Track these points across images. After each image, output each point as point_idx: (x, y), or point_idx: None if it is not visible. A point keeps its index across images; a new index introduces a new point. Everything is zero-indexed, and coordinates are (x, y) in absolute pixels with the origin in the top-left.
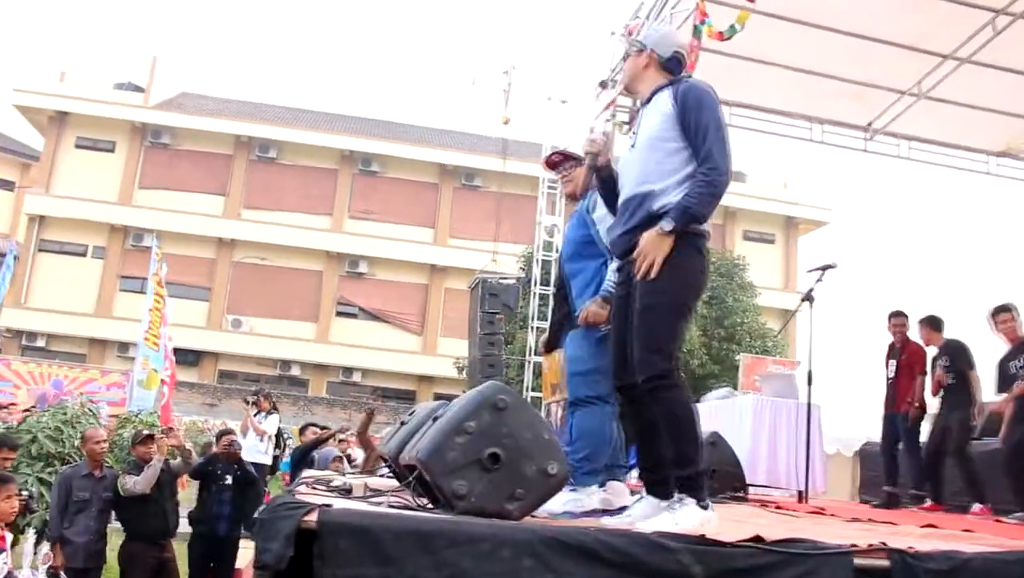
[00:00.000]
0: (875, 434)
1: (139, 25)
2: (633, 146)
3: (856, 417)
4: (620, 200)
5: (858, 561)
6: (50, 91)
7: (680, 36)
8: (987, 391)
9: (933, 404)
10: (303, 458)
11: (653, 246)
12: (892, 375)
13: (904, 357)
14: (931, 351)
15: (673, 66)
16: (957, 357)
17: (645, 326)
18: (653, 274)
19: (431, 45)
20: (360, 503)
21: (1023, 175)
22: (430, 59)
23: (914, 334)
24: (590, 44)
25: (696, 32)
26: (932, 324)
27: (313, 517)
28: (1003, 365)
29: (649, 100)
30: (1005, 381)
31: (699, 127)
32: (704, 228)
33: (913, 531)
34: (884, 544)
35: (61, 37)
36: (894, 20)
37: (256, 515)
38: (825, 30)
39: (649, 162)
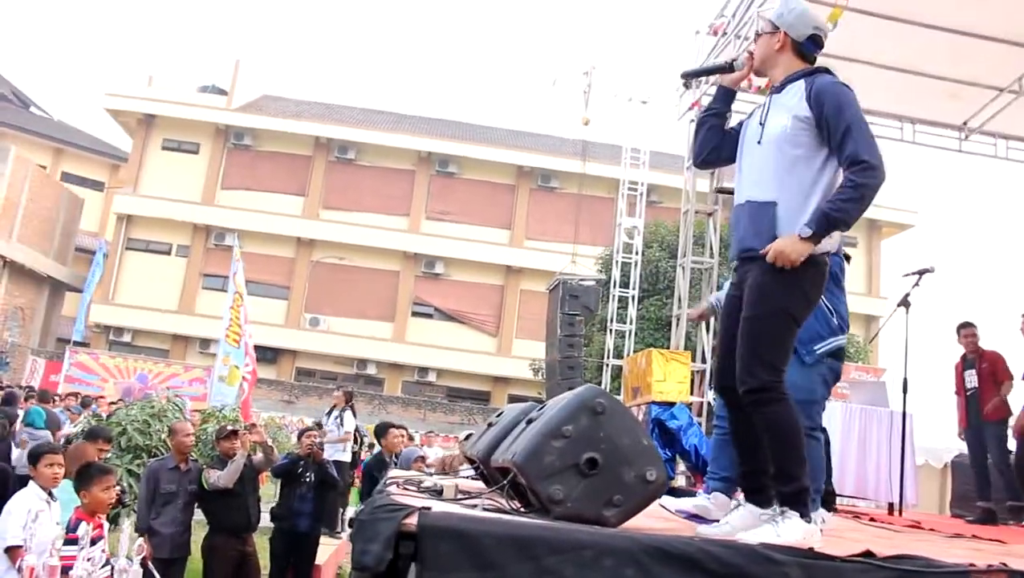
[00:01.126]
0: (966, 446)
1: (222, 29)
2: (759, 142)
3: (945, 428)
4: (738, 198)
5: None
6: (138, 94)
7: (819, 15)
8: None
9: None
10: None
11: (791, 249)
12: (975, 385)
13: (984, 365)
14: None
15: (810, 49)
16: None
17: (749, 334)
18: (784, 263)
19: (510, 46)
20: (455, 506)
21: None
22: (509, 60)
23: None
24: (671, 44)
25: None
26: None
27: (413, 520)
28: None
29: (781, 89)
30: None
31: (838, 127)
32: (829, 247)
33: None
34: (1005, 565)
35: (149, 42)
36: (992, 15)
37: (354, 516)
38: (919, 26)
39: (774, 167)
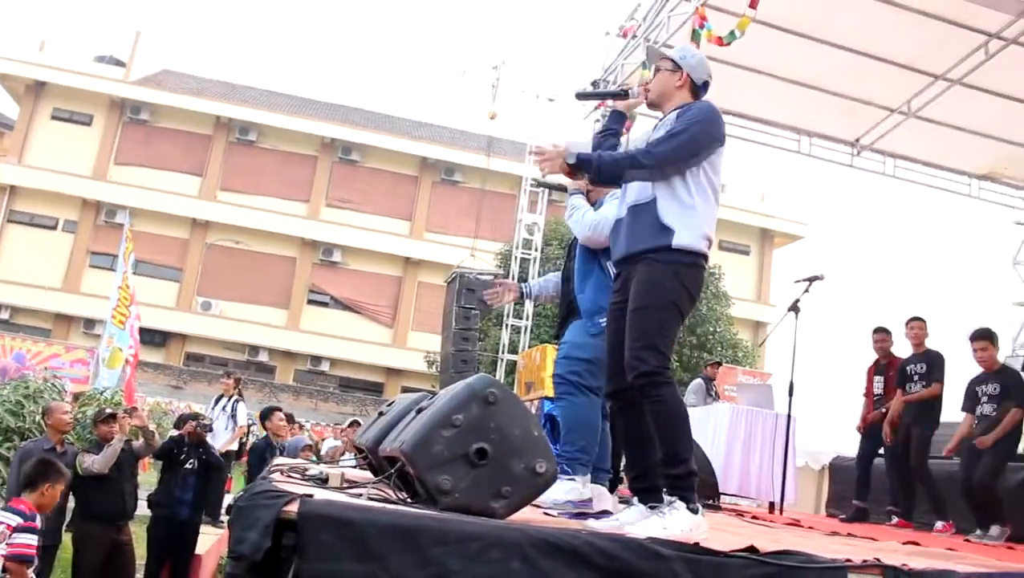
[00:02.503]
0: (844, 448)
1: None
2: None
3: (824, 431)
4: (623, 205)
5: (852, 577)
6: (28, 60)
7: (709, 66)
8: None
9: None
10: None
11: (551, 158)
12: (881, 391)
13: (892, 373)
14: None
15: (702, 92)
16: (935, 367)
17: (636, 324)
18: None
19: (419, 36)
20: (340, 494)
21: (1004, 199)
22: (417, 50)
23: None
24: (581, 43)
25: (695, 36)
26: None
27: (294, 507)
28: (972, 386)
29: (664, 116)
30: (972, 402)
31: (679, 127)
32: (706, 249)
33: (898, 548)
34: (878, 560)
35: (43, 5)
36: (890, 38)
37: (233, 502)
38: (821, 43)
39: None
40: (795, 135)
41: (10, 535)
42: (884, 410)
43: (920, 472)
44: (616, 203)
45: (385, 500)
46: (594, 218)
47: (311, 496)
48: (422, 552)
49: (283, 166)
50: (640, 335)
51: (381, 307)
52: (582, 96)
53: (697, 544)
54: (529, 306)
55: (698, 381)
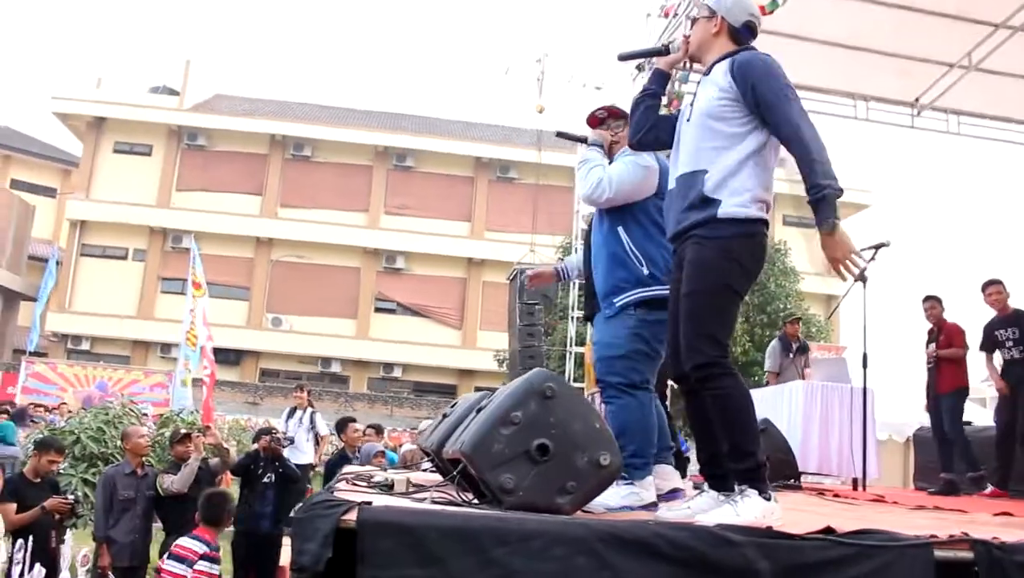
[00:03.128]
0: (927, 419)
1: (172, 29)
2: (688, 120)
3: (907, 402)
4: (673, 177)
5: (939, 553)
6: (87, 97)
7: (752, 3)
8: None
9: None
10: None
11: (833, 249)
12: (934, 356)
13: (943, 338)
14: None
15: (745, 35)
16: None
17: (691, 311)
18: (855, 272)
19: (462, 37)
20: (402, 500)
21: None
22: (462, 51)
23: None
24: (624, 28)
25: None
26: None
27: (352, 516)
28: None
29: (710, 71)
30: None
31: (768, 102)
32: (761, 214)
33: (990, 520)
34: (966, 534)
35: (97, 43)
36: None
37: (292, 514)
38: (868, 3)
39: (703, 141)
40: (851, 100)
41: (196, 561)
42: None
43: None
44: (630, 160)
45: (450, 503)
46: (598, 176)
47: (370, 503)
48: (484, 553)
49: (339, 178)
50: (695, 324)
51: (448, 309)
52: (625, 57)
53: (770, 528)
54: None
55: (773, 343)
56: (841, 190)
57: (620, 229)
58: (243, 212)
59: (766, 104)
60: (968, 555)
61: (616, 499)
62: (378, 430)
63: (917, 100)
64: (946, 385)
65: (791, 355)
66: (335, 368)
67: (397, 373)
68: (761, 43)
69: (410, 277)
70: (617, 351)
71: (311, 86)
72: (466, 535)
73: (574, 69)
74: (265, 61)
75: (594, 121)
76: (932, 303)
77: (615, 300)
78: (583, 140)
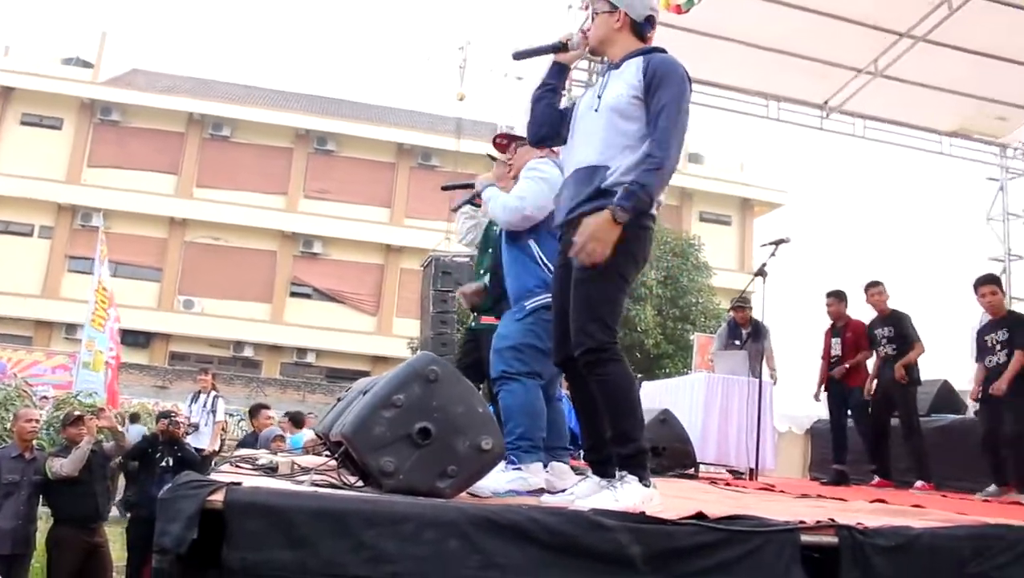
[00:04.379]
0: (826, 412)
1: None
2: (596, 110)
3: (808, 395)
4: (572, 163)
5: (805, 538)
6: None
7: None
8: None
9: None
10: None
11: (603, 233)
12: (838, 353)
13: (849, 334)
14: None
15: (646, 29)
16: (902, 327)
17: (582, 296)
18: (599, 259)
19: (386, 22)
20: (280, 482)
21: (976, 155)
22: (385, 36)
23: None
24: (546, 18)
25: None
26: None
27: (219, 497)
28: (980, 337)
29: (619, 65)
30: (984, 352)
31: (662, 107)
32: (652, 210)
33: (863, 507)
34: (832, 520)
35: (5, 9)
36: None
37: (159, 495)
38: (783, 5)
39: (608, 133)
40: (763, 100)
41: None
42: (846, 368)
43: (910, 430)
44: (535, 176)
45: (331, 486)
46: (507, 203)
47: (239, 484)
48: (355, 536)
49: (259, 160)
50: (586, 309)
51: (364, 296)
52: (520, 55)
53: (643, 513)
54: None
55: (723, 327)
56: (649, 205)
57: (531, 241)
58: (158, 191)
59: (658, 105)
60: (833, 540)
61: (502, 484)
62: (295, 420)
63: (827, 103)
64: (854, 380)
65: (740, 341)
66: (247, 352)
67: (311, 359)
68: (678, 40)
69: (327, 262)
70: (508, 342)
71: (232, 65)
72: (336, 517)
73: (495, 58)
74: (185, 37)
75: (499, 148)
76: (832, 300)
77: (526, 304)
78: (470, 186)
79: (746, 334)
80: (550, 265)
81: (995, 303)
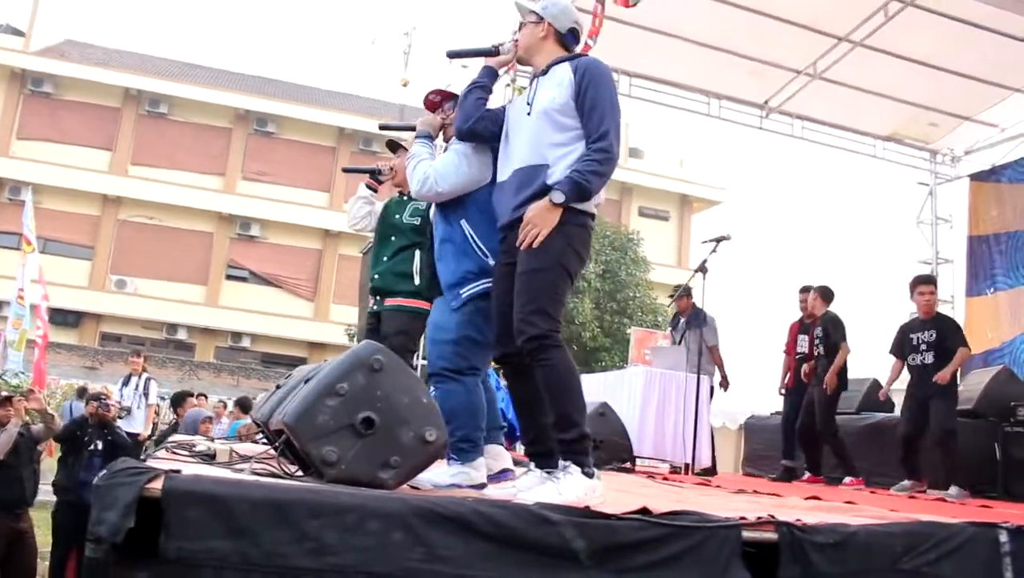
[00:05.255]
0: (759, 408)
1: None
2: (529, 114)
3: (741, 391)
4: (511, 165)
5: (746, 534)
6: None
7: (575, 11)
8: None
9: None
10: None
11: (541, 218)
12: (806, 349)
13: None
14: None
15: (570, 40)
16: (833, 330)
17: (526, 287)
18: (536, 244)
19: (331, 3)
20: (219, 469)
21: (907, 160)
22: (330, 18)
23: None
24: (491, 5)
25: None
26: (823, 295)
27: (158, 484)
28: (905, 333)
29: (546, 72)
30: (906, 348)
31: (595, 105)
32: (593, 209)
33: (799, 504)
34: (772, 517)
35: None
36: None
37: (94, 482)
38: (727, 4)
39: (544, 134)
40: (705, 98)
41: None
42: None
43: (826, 431)
44: (457, 150)
45: (272, 474)
46: (423, 171)
47: (177, 472)
48: (296, 526)
49: (196, 139)
50: (529, 299)
51: (301, 281)
52: (453, 55)
53: (588, 508)
54: None
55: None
56: (588, 195)
57: (464, 222)
58: (91, 167)
59: (592, 104)
60: (773, 536)
61: (445, 477)
62: (243, 407)
63: (767, 102)
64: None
65: (678, 327)
66: (181, 335)
67: (246, 343)
68: (624, 35)
69: (264, 245)
70: (447, 335)
71: (171, 41)
72: (278, 507)
73: (440, 44)
74: (123, 10)
75: (430, 105)
76: (805, 295)
77: (461, 291)
78: (410, 128)
79: (683, 323)
80: (484, 249)
81: (932, 302)
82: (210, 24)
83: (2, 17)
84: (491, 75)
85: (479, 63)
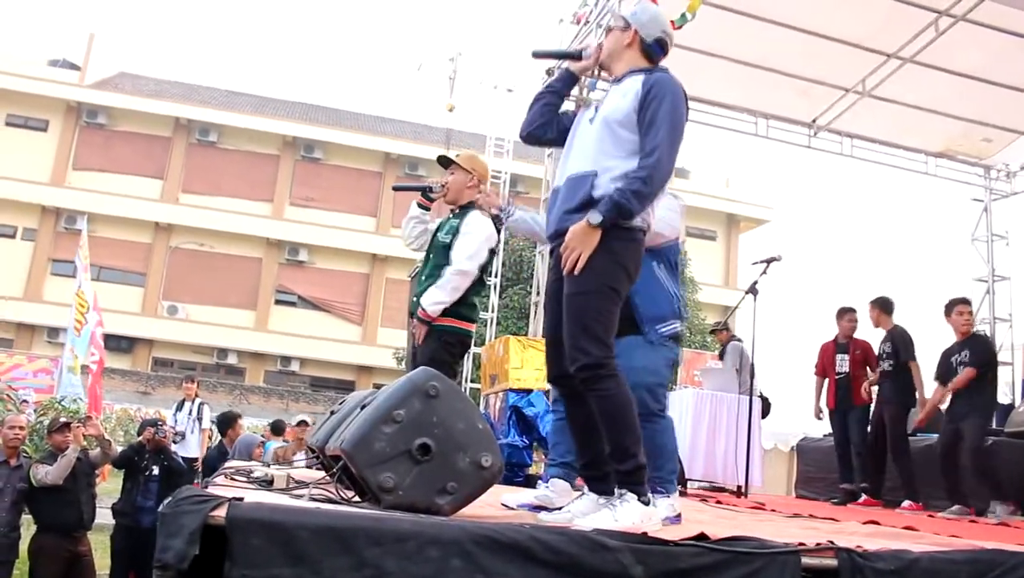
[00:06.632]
0: (811, 429)
1: (75, 0)
2: (592, 121)
3: (793, 412)
4: (565, 173)
5: (806, 560)
6: None
7: (666, 22)
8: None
9: None
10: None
11: (579, 240)
12: (846, 370)
13: (858, 352)
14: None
15: (655, 51)
16: (903, 348)
17: (573, 312)
18: (577, 271)
19: (377, 30)
20: (279, 496)
21: (960, 176)
22: (376, 45)
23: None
24: (538, 31)
25: None
26: (883, 306)
27: (222, 512)
28: (947, 357)
29: (620, 80)
30: (949, 373)
31: (654, 121)
32: (641, 224)
33: (858, 529)
34: (832, 543)
35: None
36: (841, 17)
37: (160, 509)
38: (773, 24)
39: (601, 144)
40: (752, 118)
41: None
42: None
43: (896, 449)
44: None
45: (329, 500)
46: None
47: (241, 499)
48: (356, 553)
49: (245, 166)
50: (578, 325)
51: (349, 305)
52: (539, 55)
53: (645, 534)
54: (495, 298)
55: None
56: (631, 214)
57: (655, 263)
58: (143, 196)
59: (651, 119)
60: (833, 562)
61: (663, 511)
62: (276, 429)
63: (815, 121)
64: (859, 398)
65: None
66: (231, 360)
67: (295, 367)
68: (669, 56)
69: (312, 270)
70: (653, 378)
71: (220, 71)
72: (339, 534)
73: (486, 70)
74: (174, 41)
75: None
76: (853, 316)
77: (660, 328)
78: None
79: (718, 352)
80: (674, 291)
81: (970, 323)
82: (256, 52)
83: (59, 53)
84: (568, 80)
85: (523, 91)
